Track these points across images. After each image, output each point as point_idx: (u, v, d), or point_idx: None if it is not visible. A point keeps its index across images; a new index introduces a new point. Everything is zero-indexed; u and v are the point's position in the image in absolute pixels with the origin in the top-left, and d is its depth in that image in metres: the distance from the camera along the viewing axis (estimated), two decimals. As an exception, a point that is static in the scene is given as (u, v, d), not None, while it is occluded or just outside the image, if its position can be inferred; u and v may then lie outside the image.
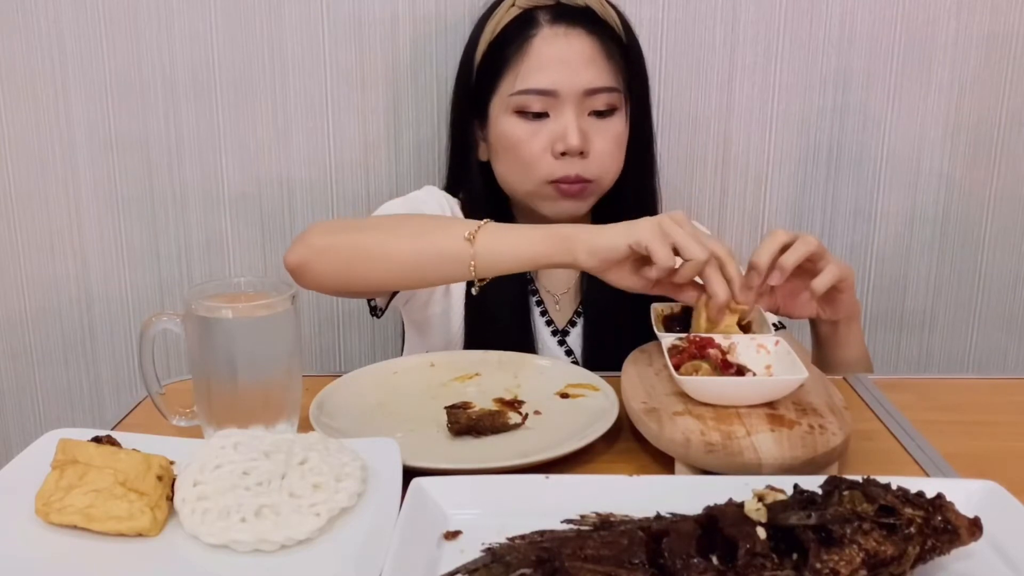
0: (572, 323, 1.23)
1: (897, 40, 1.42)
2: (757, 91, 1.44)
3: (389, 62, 1.42)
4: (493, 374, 1.01)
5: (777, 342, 0.90)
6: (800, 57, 1.42)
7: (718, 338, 0.90)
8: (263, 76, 1.42)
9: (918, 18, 1.41)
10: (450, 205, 1.23)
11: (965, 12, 1.41)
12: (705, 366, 0.86)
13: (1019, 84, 1.44)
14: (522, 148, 1.14)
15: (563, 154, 1.13)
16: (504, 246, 0.95)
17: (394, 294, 1.17)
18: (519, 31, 1.14)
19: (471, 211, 1.21)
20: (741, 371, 0.87)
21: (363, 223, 1.08)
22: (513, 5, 1.16)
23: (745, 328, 0.96)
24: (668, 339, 0.91)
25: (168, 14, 1.40)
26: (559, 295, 1.24)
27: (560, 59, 1.13)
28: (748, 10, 1.40)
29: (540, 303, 1.23)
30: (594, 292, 1.20)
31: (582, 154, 1.13)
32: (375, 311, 1.20)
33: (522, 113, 1.14)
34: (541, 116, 1.14)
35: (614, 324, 1.18)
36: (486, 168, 1.22)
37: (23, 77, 1.42)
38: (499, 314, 1.18)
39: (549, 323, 1.23)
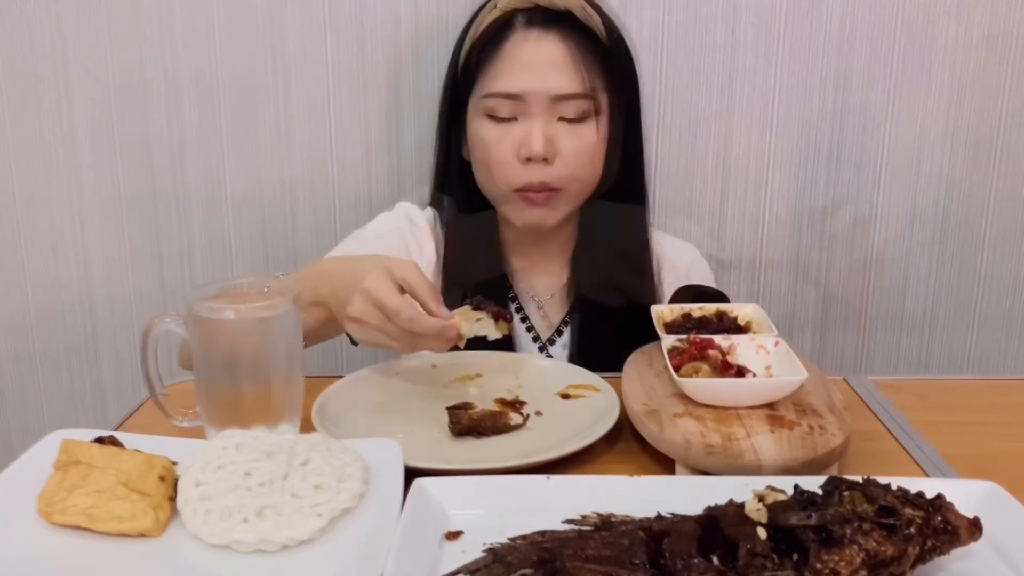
0: (559, 332, 1.20)
1: (897, 41, 1.42)
2: (757, 93, 1.44)
3: (391, 63, 1.42)
4: (494, 375, 1.01)
5: (777, 342, 0.90)
6: (800, 59, 1.42)
7: (718, 339, 0.91)
8: (265, 78, 1.42)
9: (918, 19, 1.41)
10: (414, 223, 1.21)
11: (965, 13, 1.41)
12: (705, 367, 0.86)
13: (1019, 85, 1.44)
14: (490, 152, 1.13)
15: (528, 160, 1.11)
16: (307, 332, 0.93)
17: None
18: (496, 33, 1.13)
19: (460, 210, 1.20)
20: (741, 372, 0.87)
21: None
22: (495, 7, 1.15)
23: (745, 328, 0.96)
24: (668, 340, 0.92)
25: (171, 16, 1.40)
26: (544, 300, 1.22)
27: (529, 63, 1.11)
28: (748, 12, 1.41)
29: (520, 310, 1.20)
30: (586, 297, 1.17)
31: (546, 160, 1.11)
32: (354, 341, 1.18)
33: (492, 116, 1.12)
34: (509, 120, 1.12)
35: (608, 328, 1.15)
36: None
37: (26, 79, 1.43)
38: None
39: (530, 329, 1.20)
